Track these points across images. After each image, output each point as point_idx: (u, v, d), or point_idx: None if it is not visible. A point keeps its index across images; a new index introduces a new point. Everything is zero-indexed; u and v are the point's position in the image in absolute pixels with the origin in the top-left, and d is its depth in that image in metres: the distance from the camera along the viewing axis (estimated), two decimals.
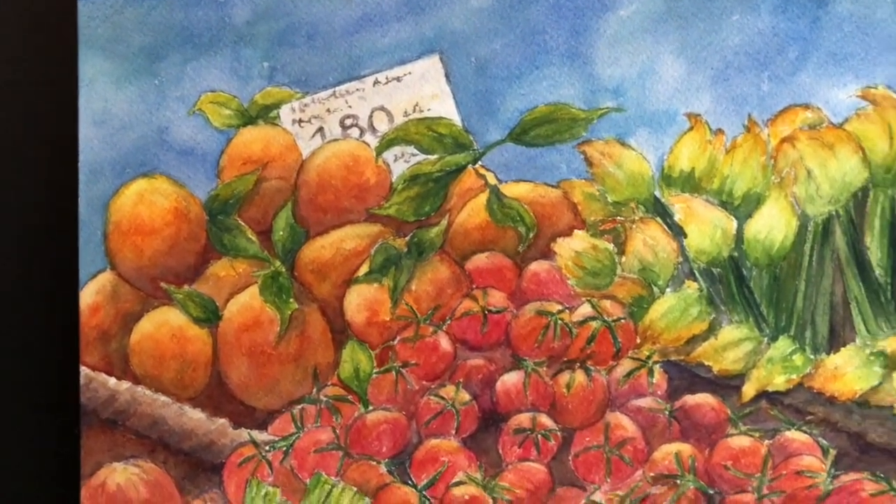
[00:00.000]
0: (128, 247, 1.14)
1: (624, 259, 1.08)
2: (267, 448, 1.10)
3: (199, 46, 1.14)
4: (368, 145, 1.13)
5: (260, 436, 1.11)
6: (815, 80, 1.07)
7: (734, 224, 1.08)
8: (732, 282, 1.08)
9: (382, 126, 1.13)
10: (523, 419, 1.07)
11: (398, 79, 1.12)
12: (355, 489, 1.07)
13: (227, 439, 1.11)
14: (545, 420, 1.07)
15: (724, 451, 1.04)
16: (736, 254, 1.08)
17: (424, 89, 1.12)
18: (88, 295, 1.14)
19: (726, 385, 1.07)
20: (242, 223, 1.14)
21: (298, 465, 1.09)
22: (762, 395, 1.06)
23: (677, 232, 1.08)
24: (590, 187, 1.10)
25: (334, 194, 1.12)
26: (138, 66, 1.14)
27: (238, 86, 1.14)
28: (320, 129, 1.14)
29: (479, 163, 1.11)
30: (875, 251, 1.06)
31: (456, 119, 1.12)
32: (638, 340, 1.08)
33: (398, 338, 1.10)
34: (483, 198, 1.11)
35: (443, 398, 1.08)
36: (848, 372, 1.05)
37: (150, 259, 1.14)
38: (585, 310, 1.08)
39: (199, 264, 1.14)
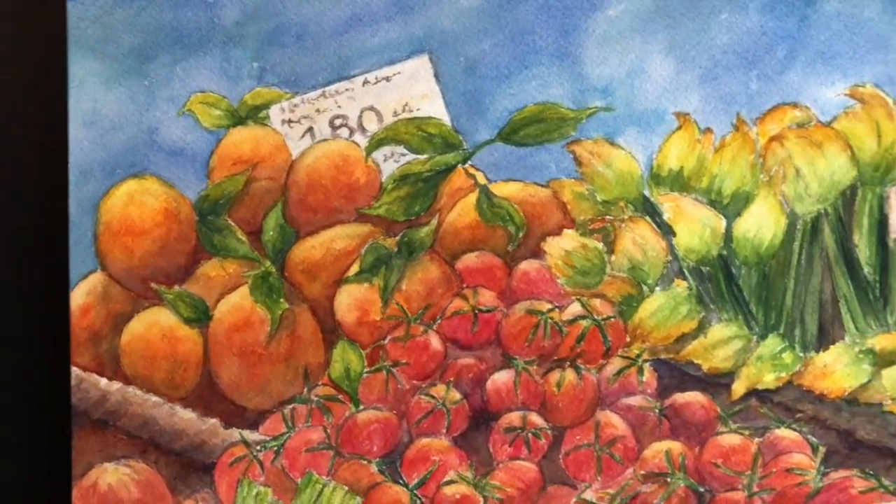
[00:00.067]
0: (118, 247, 1.13)
1: (613, 258, 1.08)
2: (258, 448, 1.09)
3: (188, 47, 1.14)
4: (358, 145, 1.13)
5: (251, 436, 1.10)
6: (804, 79, 1.07)
7: (723, 223, 1.07)
8: (721, 280, 1.07)
9: (372, 126, 1.12)
10: (514, 418, 1.07)
11: (387, 79, 1.12)
12: (346, 488, 1.06)
13: (219, 439, 1.11)
14: (536, 419, 1.07)
15: (714, 449, 1.04)
16: (725, 252, 1.07)
17: (414, 89, 1.12)
18: (79, 296, 1.14)
19: (716, 383, 1.06)
20: (232, 223, 1.13)
21: (289, 465, 1.08)
22: (752, 392, 1.06)
23: (666, 231, 1.08)
24: (579, 186, 1.09)
25: (324, 194, 1.12)
26: (128, 67, 1.14)
27: (227, 86, 1.13)
28: (310, 130, 1.13)
29: (469, 162, 1.11)
30: (863, 249, 1.06)
31: (445, 119, 1.11)
32: (628, 339, 1.07)
33: (389, 337, 1.09)
34: (473, 197, 1.11)
35: (433, 397, 1.07)
36: (837, 370, 1.05)
37: (141, 260, 1.13)
38: (575, 308, 1.08)
39: (190, 265, 1.14)
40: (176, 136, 1.14)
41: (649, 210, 1.09)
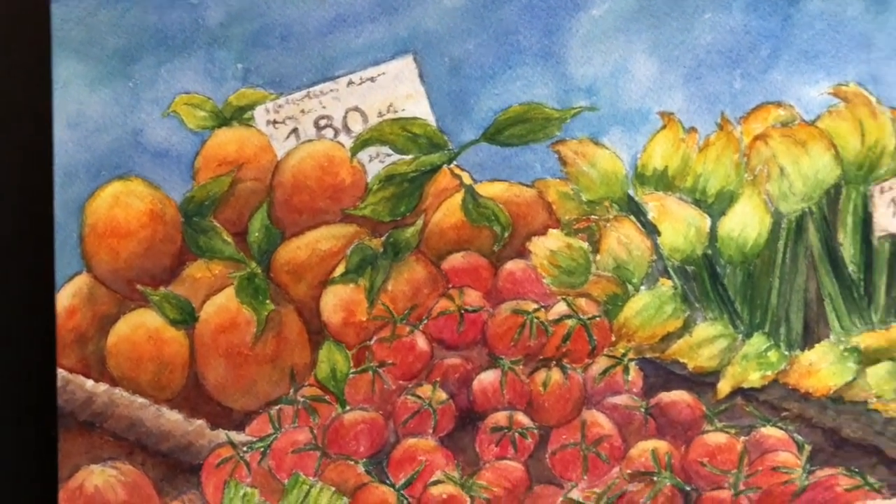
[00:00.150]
0: (104, 249, 1.13)
1: (598, 257, 1.08)
2: (245, 449, 1.09)
3: (172, 48, 1.13)
4: (343, 146, 1.12)
5: (237, 437, 1.10)
6: (787, 78, 1.07)
7: (708, 222, 1.07)
8: (706, 279, 1.07)
9: (357, 126, 1.12)
10: (500, 418, 1.06)
11: (372, 79, 1.12)
12: (333, 489, 1.06)
13: (205, 440, 1.10)
14: (522, 418, 1.06)
15: (700, 448, 1.04)
16: (710, 251, 1.07)
17: (398, 89, 1.11)
18: (65, 298, 1.13)
19: (701, 382, 1.06)
20: (218, 225, 1.13)
21: (276, 466, 1.08)
22: (737, 391, 1.06)
23: (651, 230, 1.08)
24: (564, 186, 1.09)
25: (309, 195, 1.11)
26: (112, 69, 1.13)
27: (212, 87, 1.13)
28: (295, 130, 1.13)
29: (454, 163, 1.11)
30: (848, 248, 1.06)
31: (430, 119, 1.11)
32: (613, 338, 1.07)
33: (375, 338, 1.09)
34: (458, 197, 1.10)
35: (420, 397, 1.07)
36: (822, 368, 1.05)
37: (126, 261, 1.13)
38: (561, 308, 1.08)
39: (175, 266, 1.13)
40: (161, 137, 1.13)
41: (634, 209, 1.08)
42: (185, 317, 1.12)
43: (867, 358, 1.04)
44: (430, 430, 1.07)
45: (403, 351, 1.08)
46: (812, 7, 1.07)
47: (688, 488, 1.04)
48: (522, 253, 1.09)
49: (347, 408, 1.08)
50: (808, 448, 1.04)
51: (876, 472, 1.03)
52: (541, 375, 1.06)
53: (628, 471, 1.04)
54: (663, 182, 1.08)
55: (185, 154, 1.13)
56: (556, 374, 1.06)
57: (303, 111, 1.12)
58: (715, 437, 1.04)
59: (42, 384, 1.14)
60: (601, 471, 1.05)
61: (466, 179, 1.10)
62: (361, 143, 1.11)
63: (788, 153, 1.06)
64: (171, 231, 1.13)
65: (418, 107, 1.11)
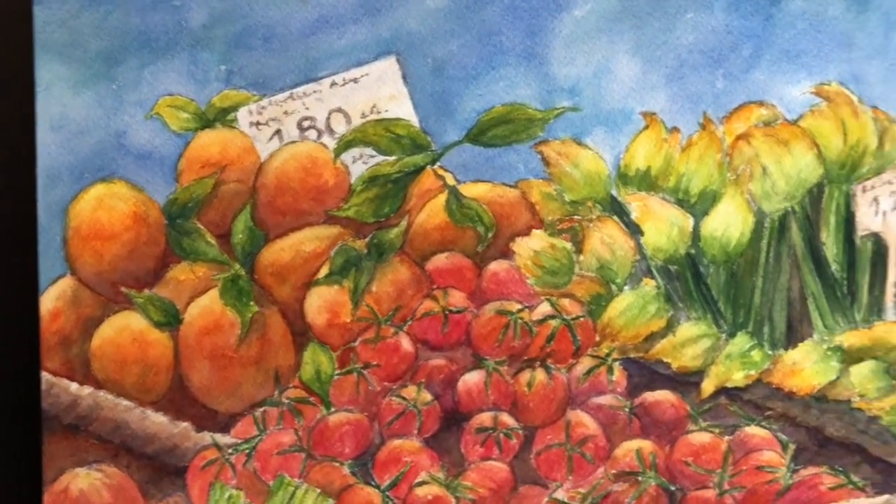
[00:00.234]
0: (87, 252, 1.12)
1: (582, 258, 1.08)
2: (230, 451, 1.08)
3: (156, 50, 1.12)
4: (326, 147, 1.12)
5: (223, 439, 1.09)
6: (770, 78, 1.07)
7: (691, 221, 1.07)
8: (690, 279, 1.07)
9: (340, 128, 1.11)
10: (485, 418, 1.06)
11: (355, 80, 1.11)
12: (319, 490, 1.05)
13: (190, 443, 1.10)
14: (507, 419, 1.06)
15: (684, 448, 1.04)
16: (693, 251, 1.07)
17: (381, 91, 1.11)
18: (49, 300, 1.12)
19: (685, 381, 1.06)
20: (201, 226, 1.12)
21: (261, 468, 1.07)
22: (721, 391, 1.06)
23: (634, 230, 1.08)
24: (547, 187, 1.09)
25: (293, 196, 1.11)
26: (95, 71, 1.13)
27: (195, 89, 1.12)
28: (278, 132, 1.12)
29: (438, 163, 1.10)
30: (831, 247, 1.06)
31: (413, 120, 1.11)
32: (597, 338, 1.07)
33: (359, 339, 1.08)
34: (442, 198, 1.10)
35: (405, 399, 1.07)
36: (806, 367, 1.05)
37: (110, 264, 1.12)
38: (545, 308, 1.07)
39: (159, 268, 1.13)
40: (144, 139, 1.12)
41: (617, 210, 1.08)
42: (170, 319, 1.11)
43: (850, 357, 1.04)
44: (415, 432, 1.06)
45: (388, 352, 1.08)
46: (793, 7, 1.07)
47: (672, 488, 1.04)
48: (506, 253, 1.09)
49: (332, 409, 1.08)
50: (792, 447, 1.04)
51: (859, 470, 1.03)
52: (525, 376, 1.06)
53: (613, 471, 1.04)
54: (646, 182, 1.08)
55: (168, 156, 1.12)
56: (540, 375, 1.06)
57: (286, 112, 1.12)
58: (699, 437, 1.04)
59: (26, 387, 1.13)
60: (586, 471, 1.05)
61: (450, 180, 1.10)
62: (345, 145, 1.11)
63: (771, 152, 1.06)
64: (155, 233, 1.12)
65: (401, 108, 1.11)
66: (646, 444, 1.04)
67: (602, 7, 1.08)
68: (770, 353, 1.05)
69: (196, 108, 1.12)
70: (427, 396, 1.07)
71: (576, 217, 1.08)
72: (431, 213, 1.10)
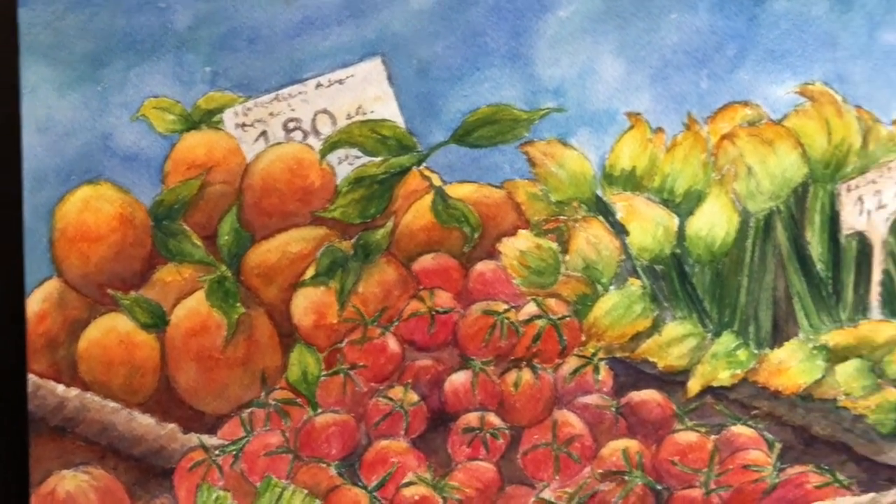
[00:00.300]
0: (74, 254, 1.12)
1: (568, 258, 1.07)
2: (217, 452, 1.08)
3: (141, 52, 1.12)
4: (312, 148, 1.11)
5: (210, 440, 1.09)
6: (754, 77, 1.07)
7: (676, 221, 1.07)
8: (675, 278, 1.07)
9: (326, 129, 1.11)
10: (472, 418, 1.06)
11: (340, 81, 1.11)
12: (306, 491, 1.05)
13: (177, 444, 1.09)
14: (493, 419, 1.05)
15: (670, 447, 1.04)
16: (678, 251, 1.07)
17: (367, 92, 1.11)
18: (35, 302, 1.12)
19: (671, 381, 1.06)
20: (188, 228, 1.12)
21: (249, 469, 1.07)
22: (707, 390, 1.05)
23: (620, 230, 1.07)
24: (533, 187, 1.09)
25: (279, 198, 1.11)
26: (81, 73, 1.12)
27: (181, 91, 1.12)
28: (263, 133, 1.12)
29: (424, 164, 1.10)
30: (816, 246, 1.06)
31: (399, 121, 1.10)
32: (583, 338, 1.07)
33: (346, 340, 1.08)
34: (428, 199, 1.10)
35: (391, 399, 1.06)
36: (791, 366, 1.04)
37: (97, 265, 1.12)
38: (531, 308, 1.07)
39: (146, 270, 1.12)
40: (130, 141, 1.12)
41: (602, 210, 1.08)
42: (156, 321, 1.11)
43: (836, 356, 1.04)
44: (402, 432, 1.06)
45: (375, 353, 1.07)
46: (778, 7, 1.07)
47: (659, 487, 1.03)
48: (492, 254, 1.08)
49: (319, 410, 1.07)
50: (778, 446, 1.03)
51: (845, 469, 1.03)
52: (512, 376, 1.06)
53: (599, 470, 1.04)
54: (631, 182, 1.08)
55: (154, 158, 1.12)
56: (526, 375, 1.05)
57: (271, 114, 1.11)
58: (685, 436, 1.04)
59: (13, 389, 1.12)
60: (573, 470, 1.04)
61: (436, 181, 1.10)
62: (330, 146, 1.10)
63: (755, 152, 1.06)
64: (141, 235, 1.12)
65: (387, 109, 1.10)
66: (632, 444, 1.04)
67: (586, 8, 1.08)
68: (756, 352, 1.05)
69: (182, 110, 1.12)
70: (414, 397, 1.06)
71: (561, 217, 1.08)
72: (418, 214, 1.09)
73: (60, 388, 1.10)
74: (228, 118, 1.11)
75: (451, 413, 1.06)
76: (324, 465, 1.05)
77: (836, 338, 1.04)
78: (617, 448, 1.04)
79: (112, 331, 1.11)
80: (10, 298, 1.12)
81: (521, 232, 1.08)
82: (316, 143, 1.11)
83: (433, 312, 1.07)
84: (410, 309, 1.07)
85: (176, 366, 1.10)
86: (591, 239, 1.06)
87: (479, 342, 1.06)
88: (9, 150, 1.12)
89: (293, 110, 1.11)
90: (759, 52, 1.06)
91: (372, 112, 1.10)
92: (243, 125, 1.11)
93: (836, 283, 1.05)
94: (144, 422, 1.09)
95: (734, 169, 1.06)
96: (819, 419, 1.04)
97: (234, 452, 1.07)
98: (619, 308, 1.06)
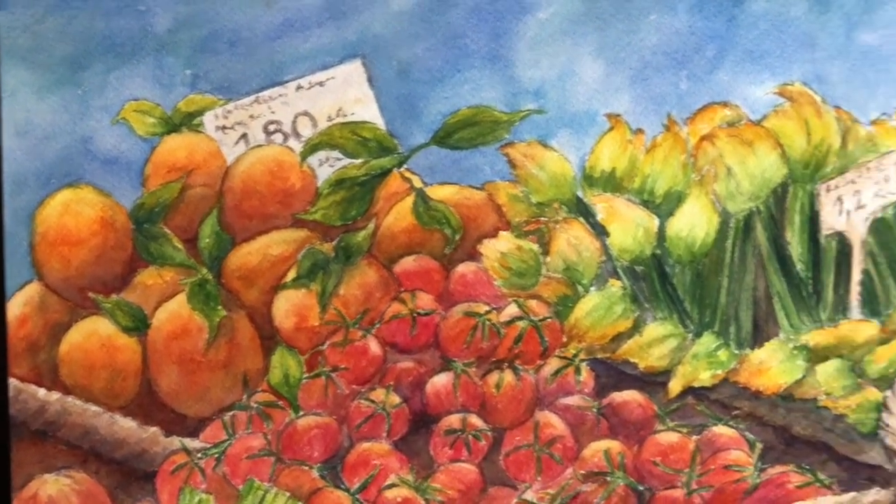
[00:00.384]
0: (54, 257, 1.11)
1: (548, 259, 1.07)
2: (199, 455, 1.07)
3: (121, 55, 1.12)
4: (293, 150, 1.11)
5: (192, 443, 1.08)
6: (733, 78, 1.07)
7: (656, 222, 1.07)
8: (656, 279, 1.07)
9: (306, 131, 1.11)
10: (454, 420, 1.05)
11: (321, 83, 1.10)
12: (288, 494, 1.04)
13: (159, 447, 1.09)
14: (475, 420, 1.05)
15: (652, 448, 1.03)
16: (658, 251, 1.07)
17: (347, 94, 1.10)
18: (16, 306, 1.11)
19: (653, 381, 1.06)
20: (168, 231, 1.11)
21: (231, 472, 1.06)
22: (688, 390, 1.05)
23: (600, 231, 1.07)
24: (513, 189, 1.08)
25: (259, 200, 1.10)
26: (61, 76, 1.12)
27: (161, 94, 1.12)
28: (244, 136, 1.11)
29: (405, 166, 1.10)
30: (795, 246, 1.06)
31: (380, 123, 1.10)
32: (564, 339, 1.06)
33: (327, 342, 1.07)
34: (409, 201, 1.09)
35: (373, 402, 1.06)
36: (772, 366, 1.04)
37: (78, 269, 1.11)
38: (512, 310, 1.07)
39: (127, 273, 1.12)
40: (110, 144, 1.11)
41: (583, 211, 1.08)
42: (138, 324, 1.10)
43: (816, 355, 1.04)
44: (384, 434, 1.05)
45: (356, 355, 1.07)
46: (756, 7, 1.07)
47: (641, 488, 1.03)
48: (473, 255, 1.08)
49: (301, 413, 1.06)
50: (759, 446, 1.03)
51: (826, 468, 1.03)
52: (493, 377, 1.05)
53: (581, 471, 1.03)
54: (611, 183, 1.07)
55: (134, 161, 1.12)
56: (508, 376, 1.05)
57: (252, 116, 1.11)
58: (667, 437, 1.03)
59: None
60: (554, 472, 1.04)
61: (417, 183, 1.09)
62: (311, 148, 1.10)
63: (735, 153, 1.05)
64: (122, 238, 1.11)
65: (367, 111, 1.10)
66: (614, 445, 1.03)
67: (566, 9, 1.08)
68: (736, 352, 1.05)
69: (162, 113, 1.11)
70: (395, 399, 1.05)
71: (542, 219, 1.07)
72: (399, 216, 1.09)
73: (42, 392, 1.10)
74: (209, 121, 1.11)
75: (433, 415, 1.05)
76: (306, 468, 1.05)
77: (816, 338, 1.04)
78: (599, 449, 1.03)
79: (93, 334, 1.10)
80: None
81: (502, 233, 1.07)
82: (296, 146, 1.10)
83: (414, 314, 1.06)
84: (392, 311, 1.07)
85: (157, 369, 1.09)
86: (572, 240, 1.06)
87: (460, 344, 1.06)
88: None
89: (273, 112, 1.10)
90: (738, 52, 1.06)
91: (352, 114, 1.10)
92: (224, 128, 1.11)
93: (816, 283, 1.05)
94: (126, 425, 1.09)
95: (714, 170, 1.05)
96: (800, 419, 1.03)
97: (217, 455, 1.06)
98: (599, 309, 1.05)
